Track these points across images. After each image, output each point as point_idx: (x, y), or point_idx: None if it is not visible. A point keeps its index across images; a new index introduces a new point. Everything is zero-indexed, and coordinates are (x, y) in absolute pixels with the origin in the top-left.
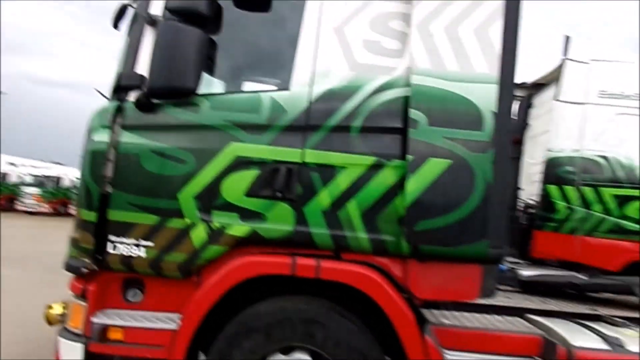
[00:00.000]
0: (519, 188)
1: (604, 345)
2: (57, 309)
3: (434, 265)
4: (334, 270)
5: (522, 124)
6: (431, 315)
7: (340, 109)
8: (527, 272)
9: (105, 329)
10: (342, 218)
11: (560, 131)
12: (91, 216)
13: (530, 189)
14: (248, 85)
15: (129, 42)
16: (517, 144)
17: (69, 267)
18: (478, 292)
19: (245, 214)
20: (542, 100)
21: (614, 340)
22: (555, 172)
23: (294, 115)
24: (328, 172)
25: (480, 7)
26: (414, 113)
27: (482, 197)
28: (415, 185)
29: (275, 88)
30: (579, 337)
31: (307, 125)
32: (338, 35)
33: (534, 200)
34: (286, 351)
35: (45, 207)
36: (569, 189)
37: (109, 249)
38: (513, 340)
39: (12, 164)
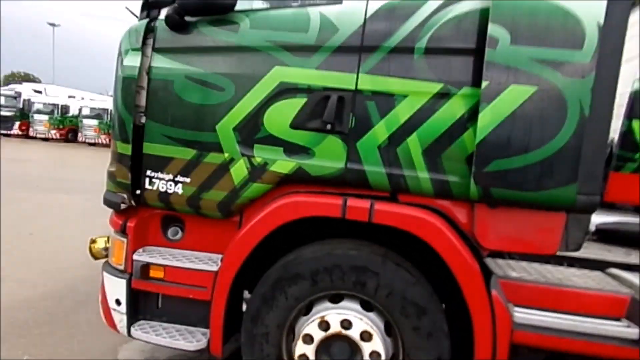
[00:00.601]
0: None
1: None
2: (100, 243)
3: (507, 212)
4: (390, 213)
5: None
6: (496, 265)
7: (402, 26)
8: (600, 218)
9: (146, 266)
10: (400, 155)
11: None
12: (126, 149)
13: (613, 123)
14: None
15: None
16: None
17: (108, 202)
18: (558, 245)
19: (291, 149)
20: (634, 18)
21: None
22: None
23: (347, 34)
24: (386, 100)
25: None
26: (493, 28)
27: (574, 132)
28: (489, 118)
29: (325, 2)
30: None
31: (362, 45)
32: None
33: (612, 138)
34: (334, 299)
35: (103, 139)
36: None
37: (146, 184)
38: (594, 299)
39: (71, 96)
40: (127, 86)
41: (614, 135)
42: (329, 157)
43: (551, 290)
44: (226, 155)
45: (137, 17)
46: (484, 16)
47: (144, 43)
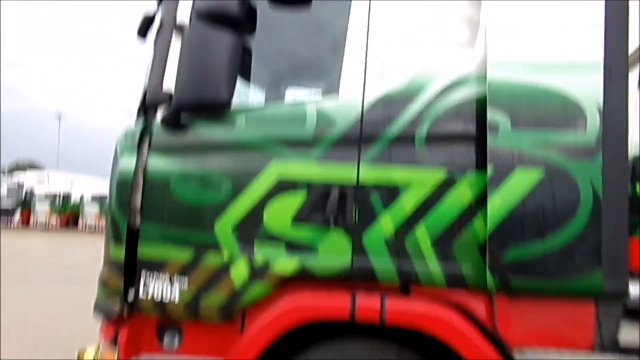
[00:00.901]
0: None
1: None
2: (89, 354)
3: (529, 304)
4: (402, 313)
5: None
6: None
7: (400, 115)
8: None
9: None
10: (409, 247)
11: None
12: (119, 253)
13: None
14: (290, 95)
15: (155, 55)
16: None
17: (98, 311)
18: (592, 339)
19: (293, 246)
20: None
21: None
22: None
23: (345, 126)
24: (389, 191)
25: None
26: (492, 114)
27: (590, 214)
28: (499, 203)
29: (320, 96)
30: None
31: (361, 137)
32: (393, 25)
33: None
34: None
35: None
36: None
37: (140, 290)
38: None
39: (74, 181)
40: (123, 188)
41: None
42: (333, 252)
43: None
44: (226, 255)
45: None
46: (482, 101)
47: (140, 144)
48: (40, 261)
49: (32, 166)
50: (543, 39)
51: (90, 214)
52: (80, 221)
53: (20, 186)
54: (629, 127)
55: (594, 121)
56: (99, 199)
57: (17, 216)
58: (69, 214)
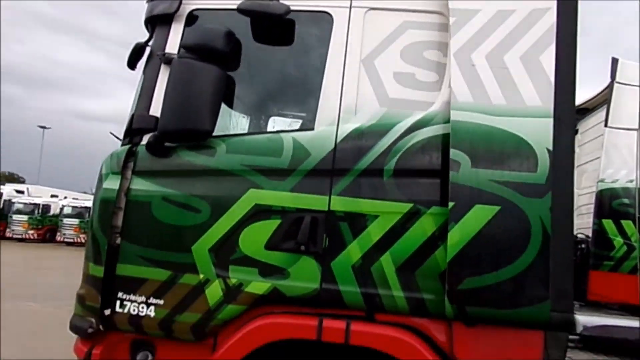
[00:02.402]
0: None
1: None
2: None
3: (485, 331)
4: (365, 334)
5: None
6: None
7: (370, 150)
8: (584, 319)
9: None
10: (375, 274)
11: (613, 160)
12: (99, 271)
13: (578, 222)
14: (269, 126)
15: (143, 83)
16: None
17: (74, 328)
18: None
19: (266, 270)
20: (587, 126)
21: None
22: (609, 204)
23: (319, 158)
24: (358, 221)
25: (530, 30)
26: (454, 153)
27: (540, 249)
28: (458, 236)
29: (298, 128)
30: None
31: (333, 169)
32: (367, 67)
33: (585, 235)
34: None
35: (83, 237)
36: (627, 223)
37: (117, 307)
38: None
39: (54, 195)
40: (105, 208)
41: (586, 232)
42: (303, 277)
43: None
44: (201, 276)
45: (120, 140)
46: (446, 140)
47: (124, 166)
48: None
49: (11, 180)
50: (501, 84)
51: (69, 227)
52: (58, 234)
53: None
54: (574, 169)
55: (544, 162)
56: (78, 212)
57: None
58: (46, 227)
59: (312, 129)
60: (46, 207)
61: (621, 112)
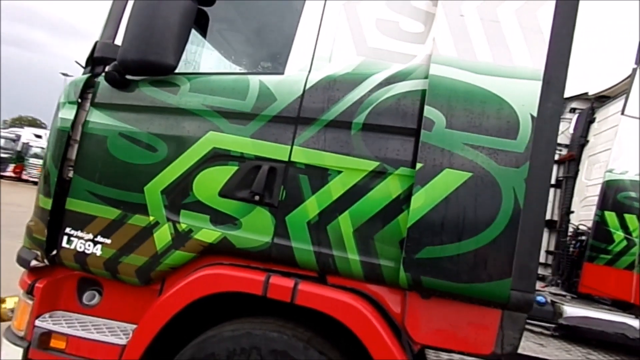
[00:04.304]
0: (570, 211)
1: None
2: (9, 303)
3: (440, 304)
4: (313, 295)
5: (580, 139)
6: (435, 357)
7: (340, 101)
8: (571, 309)
9: (47, 334)
10: (330, 233)
11: (625, 150)
12: (47, 203)
13: (583, 213)
14: (238, 66)
15: (111, 9)
16: (573, 161)
17: (20, 259)
18: (493, 346)
19: (217, 217)
20: (605, 114)
21: None
22: (614, 196)
23: (285, 104)
24: (319, 175)
25: None
26: (429, 111)
27: (509, 223)
28: (422, 201)
29: (267, 72)
30: None
31: (299, 117)
32: (347, 11)
33: (587, 227)
34: None
35: None
36: (630, 217)
37: (63, 242)
38: None
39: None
40: (59, 139)
41: (588, 224)
42: (255, 229)
43: None
44: (151, 218)
45: (83, 68)
46: (424, 97)
47: (83, 97)
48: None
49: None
50: (490, 39)
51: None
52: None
53: (17, 138)
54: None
55: (525, 129)
56: None
57: (10, 167)
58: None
59: (282, 73)
60: None
61: None
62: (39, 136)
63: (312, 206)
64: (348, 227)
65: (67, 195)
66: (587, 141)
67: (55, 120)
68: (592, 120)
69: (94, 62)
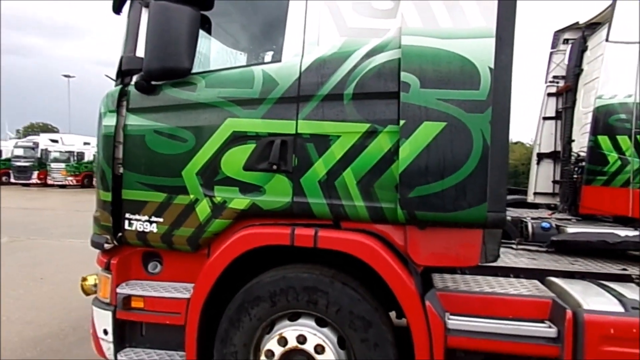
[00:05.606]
0: (572, 140)
1: (617, 308)
2: (90, 280)
3: (434, 232)
4: (331, 239)
5: (575, 69)
6: (440, 280)
7: (331, 77)
8: (573, 229)
9: (128, 297)
10: (338, 187)
11: (612, 75)
12: (107, 196)
13: (582, 140)
14: (243, 59)
15: (128, 26)
16: (570, 92)
17: (94, 244)
18: (478, 258)
19: (245, 188)
20: (597, 41)
21: (632, 302)
22: (606, 121)
23: (286, 86)
24: (322, 141)
25: None
26: (405, 75)
27: (480, 159)
28: (408, 151)
29: (267, 61)
30: (593, 300)
31: (299, 95)
32: (328, 1)
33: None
34: (293, 317)
35: None
36: (622, 139)
37: (126, 225)
38: (520, 304)
39: (86, 143)
40: (107, 142)
41: (583, 150)
42: (277, 193)
43: (483, 299)
44: (192, 196)
45: (114, 81)
46: (399, 64)
47: (119, 105)
48: (58, 217)
49: (45, 130)
50: (448, 6)
51: None
52: (94, 180)
53: (35, 146)
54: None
55: (486, 80)
56: None
57: (34, 175)
58: (84, 174)
59: (280, 61)
60: (80, 155)
61: (622, 24)
62: (55, 141)
63: (320, 167)
64: (352, 180)
65: (122, 187)
66: (582, 70)
67: (99, 127)
68: (584, 49)
69: (122, 74)
